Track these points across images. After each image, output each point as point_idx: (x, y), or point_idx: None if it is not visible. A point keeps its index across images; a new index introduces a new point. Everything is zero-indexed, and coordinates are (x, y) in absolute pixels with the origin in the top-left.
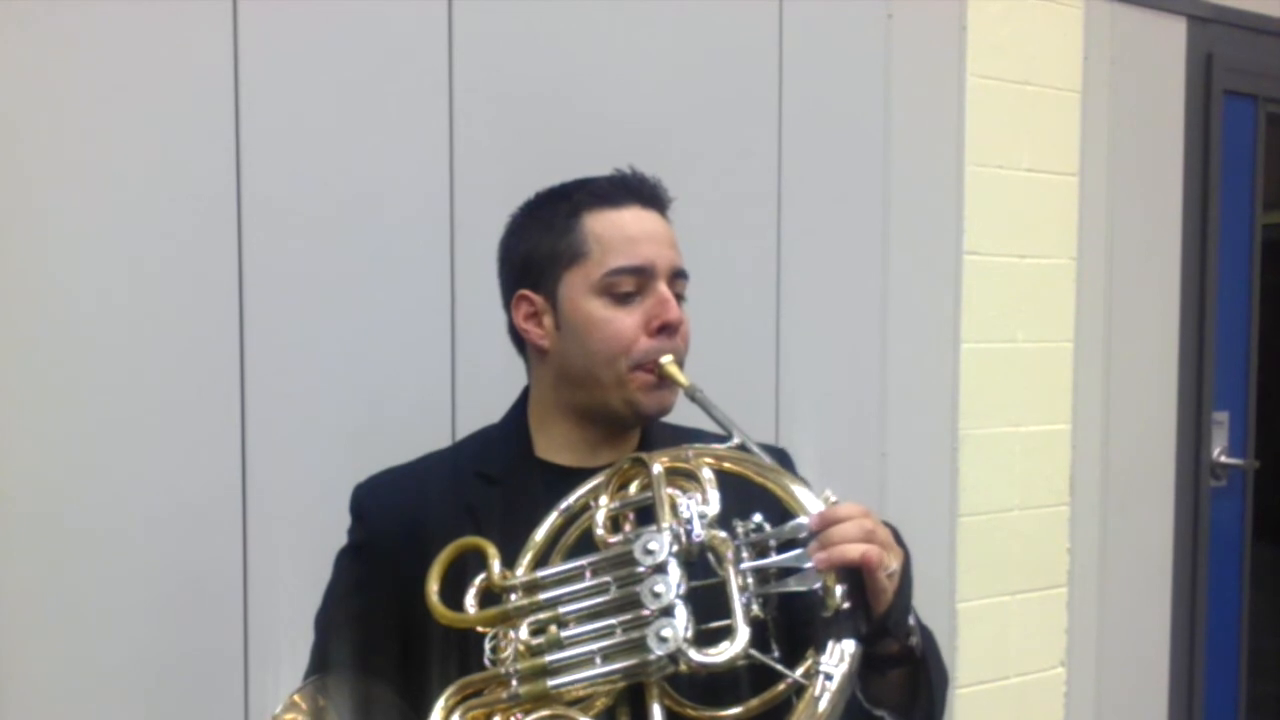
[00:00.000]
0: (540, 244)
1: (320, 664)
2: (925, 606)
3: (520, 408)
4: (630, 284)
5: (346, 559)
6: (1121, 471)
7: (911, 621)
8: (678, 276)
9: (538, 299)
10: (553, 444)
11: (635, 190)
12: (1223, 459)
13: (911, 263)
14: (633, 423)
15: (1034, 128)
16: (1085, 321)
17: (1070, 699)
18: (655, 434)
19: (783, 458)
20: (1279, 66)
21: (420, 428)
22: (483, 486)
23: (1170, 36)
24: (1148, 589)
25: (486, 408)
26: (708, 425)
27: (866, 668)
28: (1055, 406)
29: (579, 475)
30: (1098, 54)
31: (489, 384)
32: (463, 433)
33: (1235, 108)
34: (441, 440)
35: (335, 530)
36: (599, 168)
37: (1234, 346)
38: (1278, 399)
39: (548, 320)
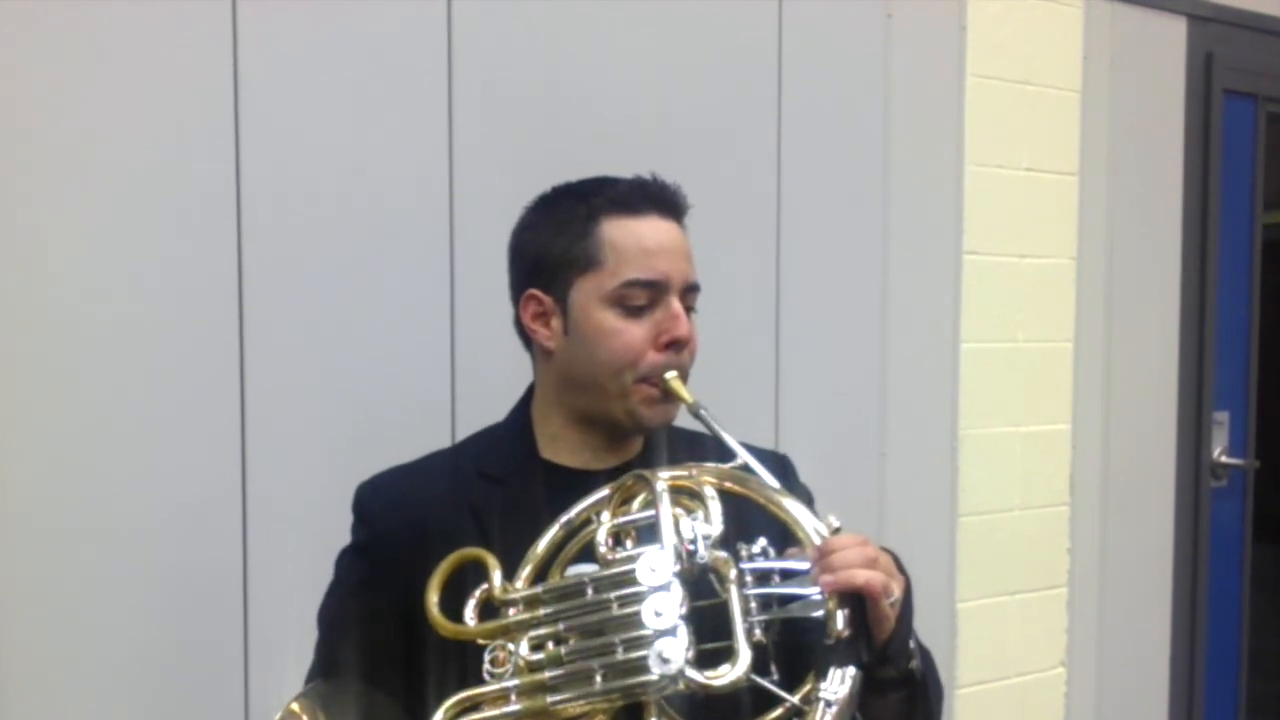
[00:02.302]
0: (554, 245)
1: (324, 663)
2: (925, 606)
3: (524, 406)
4: (643, 297)
5: (349, 558)
6: (1121, 471)
7: (912, 645)
8: (690, 290)
9: (547, 300)
10: (556, 446)
11: (655, 198)
12: (1223, 459)
13: (911, 263)
14: (634, 433)
15: (1034, 128)
16: (1085, 321)
17: (1070, 699)
18: (659, 438)
19: (784, 465)
20: (1279, 66)
21: (420, 427)
22: (486, 486)
23: (1170, 36)
24: (1148, 589)
25: (486, 408)
26: None
27: (866, 689)
28: (1055, 406)
29: (582, 478)
30: (1098, 54)
31: (489, 384)
32: (462, 433)
33: (1235, 107)
34: (441, 440)
35: (335, 530)
36: (599, 168)
37: (1234, 346)
38: (1278, 399)
39: (555, 323)
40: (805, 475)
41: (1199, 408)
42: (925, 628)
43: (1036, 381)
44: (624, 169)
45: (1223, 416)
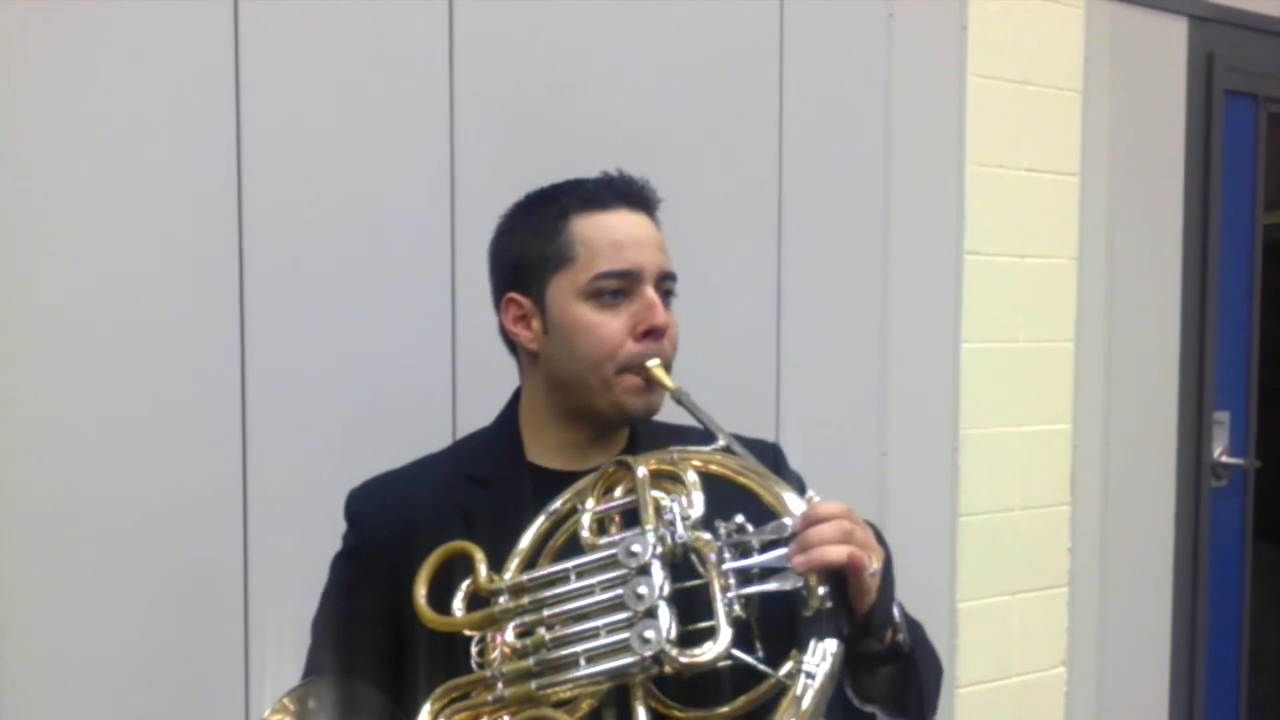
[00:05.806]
0: (528, 247)
1: (316, 668)
2: (925, 606)
3: (511, 410)
4: (616, 286)
5: (341, 564)
6: (1122, 471)
7: (898, 617)
8: (665, 279)
9: (526, 302)
10: (543, 448)
11: (623, 193)
12: (1223, 459)
13: (911, 262)
14: (620, 424)
15: (1034, 128)
16: (1085, 321)
17: (1070, 699)
18: (644, 433)
19: (774, 453)
20: None
21: (421, 427)
22: (474, 489)
23: (1171, 36)
24: (1148, 589)
25: (487, 407)
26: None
27: (856, 666)
28: (1056, 406)
29: (568, 479)
30: (1098, 54)
31: (489, 383)
32: (463, 432)
33: (1236, 107)
34: (442, 439)
35: (335, 528)
36: (599, 168)
37: (1234, 346)
38: (1278, 399)
39: (536, 324)
40: (806, 476)
41: (1199, 408)
42: (925, 627)
43: (1037, 381)
44: (624, 169)
45: (1223, 416)
